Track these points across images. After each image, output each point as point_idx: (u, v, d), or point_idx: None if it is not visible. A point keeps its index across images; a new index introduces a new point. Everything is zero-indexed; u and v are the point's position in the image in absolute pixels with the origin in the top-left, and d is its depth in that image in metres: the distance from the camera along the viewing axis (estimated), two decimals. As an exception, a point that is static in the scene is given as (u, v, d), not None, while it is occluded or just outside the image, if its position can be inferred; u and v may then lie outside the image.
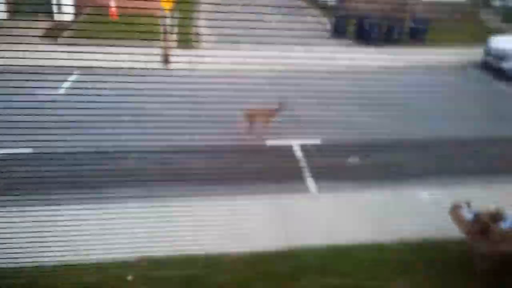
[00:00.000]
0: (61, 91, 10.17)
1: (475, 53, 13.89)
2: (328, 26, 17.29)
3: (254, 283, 5.41)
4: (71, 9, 16.21)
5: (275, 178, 6.88)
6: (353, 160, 7.92)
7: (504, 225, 5.65)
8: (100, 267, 5.31)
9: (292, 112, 9.06)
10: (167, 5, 12.77)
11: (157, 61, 12.31)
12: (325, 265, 5.71)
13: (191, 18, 15.80)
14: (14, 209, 5.26)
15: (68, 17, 15.97)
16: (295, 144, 8.96)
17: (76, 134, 6.68)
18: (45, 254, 4.95)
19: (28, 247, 4.73)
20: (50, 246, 4.82)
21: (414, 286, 5.44)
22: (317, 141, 8.82)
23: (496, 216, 5.65)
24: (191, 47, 14.03)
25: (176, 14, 13.56)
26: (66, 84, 10.72)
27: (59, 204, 5.61)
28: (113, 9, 15.80)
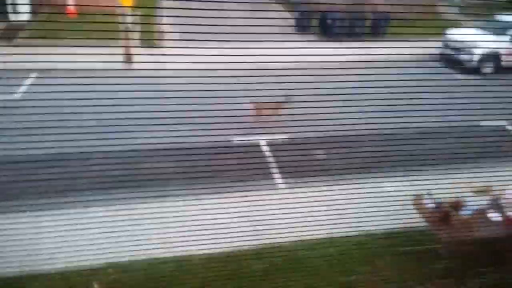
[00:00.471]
0: (17, 95, 9.82)
1: (434, 46, 14.27)
2: (292, 22, 17.39)
3: (225, 283, 5.38)
4: (27, 9, 15.61)
5: (243, 176, 6.86)
6: (319, 154, 8.04)
7: (464, 213, 5.89)
8: (64, 276, 5.17)
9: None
10: (127, 3, 12.51)
11: (119, 61, 12.07)
12: (295, 262, 5.75)
13: (153, 16, 15.52)
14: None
15: (24, 17, 15.39)
16: (262, 140, 9.00)
17: (29, 142, 6.43)
18: (5, 265, 4.78)
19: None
20: (9, 256, 4.65)
21: (382, 276, 5.57)
22: (283, 137, 8.91)
23: (457, 205, 5.89)
24: (154, 46, 13.80)
25: (138, 12, 13.29)
26: (22, 88, 10.34)
27: (19, 212, 5.42)
28: (72, 8, 15.35)
